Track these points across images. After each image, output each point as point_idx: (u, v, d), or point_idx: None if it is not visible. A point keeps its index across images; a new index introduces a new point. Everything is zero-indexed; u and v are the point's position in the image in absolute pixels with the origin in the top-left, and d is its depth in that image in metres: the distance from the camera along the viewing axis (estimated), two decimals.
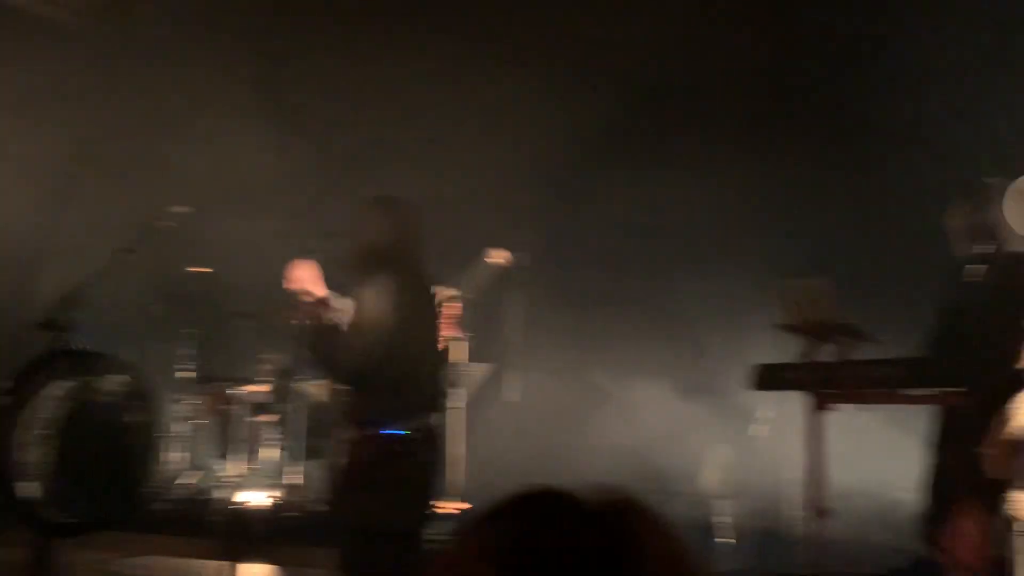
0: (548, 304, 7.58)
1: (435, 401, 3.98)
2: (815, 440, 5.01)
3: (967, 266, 4.08)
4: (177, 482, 6.96)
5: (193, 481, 7.03)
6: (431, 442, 3.84)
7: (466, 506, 5.80)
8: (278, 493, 6.75)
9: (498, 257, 6.11)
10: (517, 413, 7.57)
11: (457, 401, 5.34)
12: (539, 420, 7.43)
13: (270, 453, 6.98)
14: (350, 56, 7.41)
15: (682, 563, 0.86)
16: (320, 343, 3.75)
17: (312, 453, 6.81)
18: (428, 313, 4.10)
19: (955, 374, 2.11)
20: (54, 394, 5.06)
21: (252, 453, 6.95)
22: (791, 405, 5.24)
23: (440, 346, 4.59)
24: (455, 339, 5.36)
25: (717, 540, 7.02)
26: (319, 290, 3.76)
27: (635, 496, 0.90)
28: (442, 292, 5.11)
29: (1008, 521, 1.19)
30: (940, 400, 3.60)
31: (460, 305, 5.32)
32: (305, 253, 3.94)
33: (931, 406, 4.37)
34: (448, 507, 5.61)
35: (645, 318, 7.69)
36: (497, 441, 6.66)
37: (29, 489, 4.93)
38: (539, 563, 0.79)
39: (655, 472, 7.29)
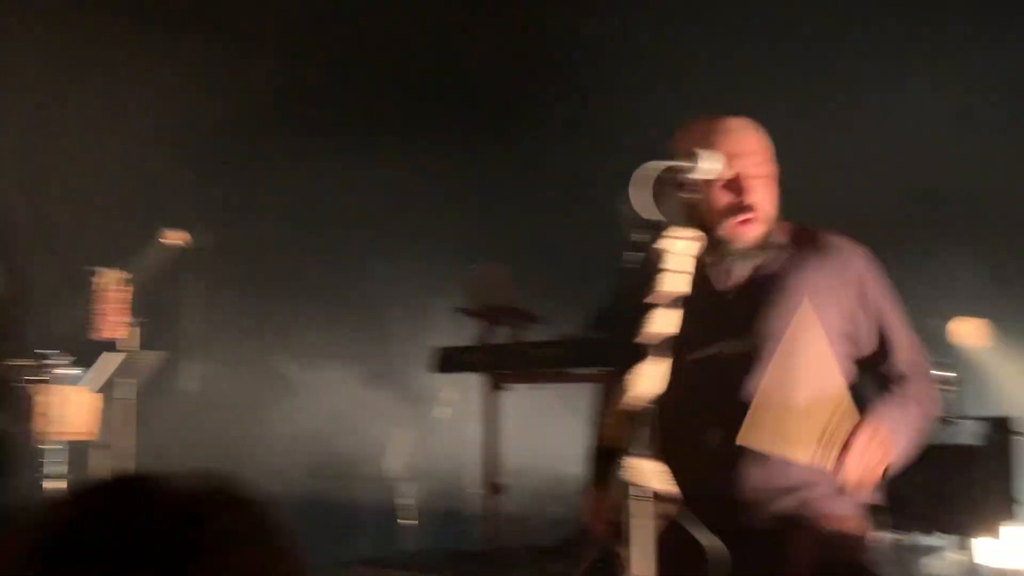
0: (229, 289, 7.34)
1: None
2: (490, 420, 5.23)
3: (626, 252, 4.40)
4: None
5: None
6: None
7: None
8: None
9: (175, 238, 5.78)
10: (195, 403, 7.28)
11: (126, 392, 5.04)
12: (219, 410, 7.18)
13: None
14: None
15: (267, 570, 0.75)
16: None
17: None
18: None
19: (609, 354, 2.26)
20: None
21: None
22: (475, 385, 5.41)
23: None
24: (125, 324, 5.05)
25: (401, 522, 7.14)
26: None
27: (235, 489, 0.78)
28: (108, 275, 4.81)
29: (625, 486, 1.28)
30: (598, 379, 3.84)
31: (130, 289, 5.01)
32: None
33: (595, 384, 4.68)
34: None
35: (330, 304, 7.64)
36: (173, 433, 6.36)
37: None
38: (88, 558, 0.69)
39: (339, 458, 7.27)
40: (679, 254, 1.57)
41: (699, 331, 2.12)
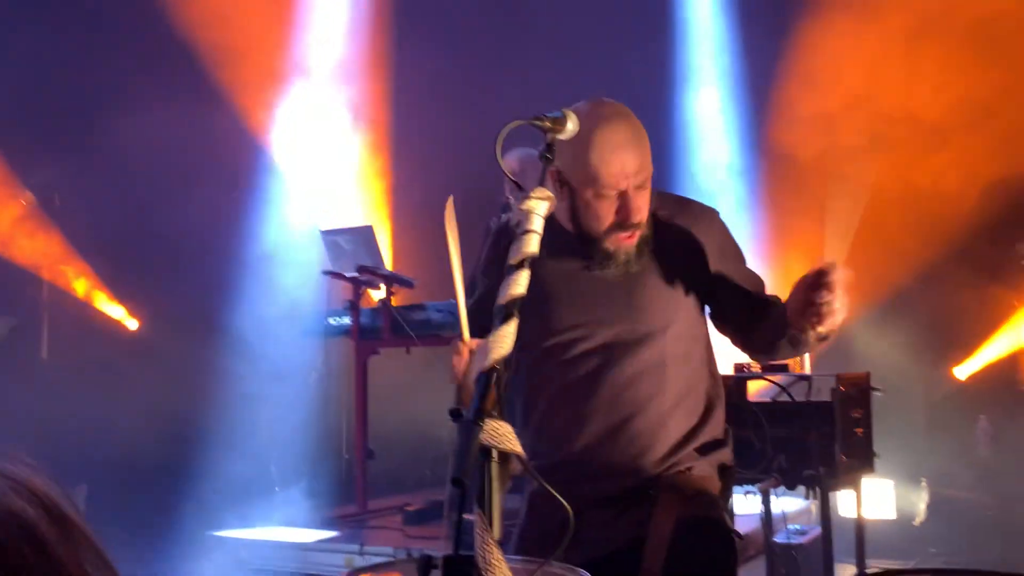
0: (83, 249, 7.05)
1: None
2: (361, 384, 5.15)
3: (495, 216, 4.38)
4: None
5: None
6: None
7: None
8: None
9: None
10: (49, 371, 6.99)
11: None
12: (75, 376, 6.90)
13: None
14: None
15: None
16: None
17: None
18: None
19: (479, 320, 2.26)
20: None
21: None
22: (345, 350, 5.32)
23: None
24: None
25: (277, 490, 7.03)
26: None
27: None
28: None
29: (480, 448, 1.27)
30: None
31: None
32: None
33: None
34: None
35: (198, 263, 7.39)
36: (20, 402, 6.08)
37: None
38: None
39: (209, 425, 7.10)
40: (538, 215, 1.52)
41: (573, 307, 2.16)
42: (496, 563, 1.23)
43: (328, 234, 5.53)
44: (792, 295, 1.97)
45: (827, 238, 6.84)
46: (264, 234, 7.30)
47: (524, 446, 2.15)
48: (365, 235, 5.15)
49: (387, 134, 7.84)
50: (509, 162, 4.99)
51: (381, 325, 4.99)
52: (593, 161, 2.00)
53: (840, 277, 1.88)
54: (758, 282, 2.29)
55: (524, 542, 2.19)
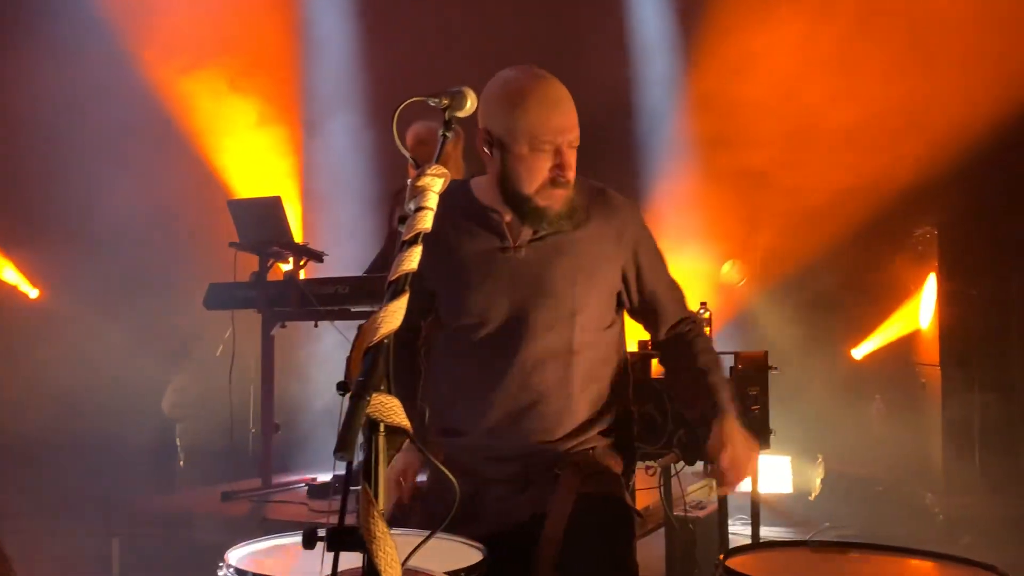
0: None
1: None
2: (267, 357, 5.10)
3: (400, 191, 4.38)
4: None
5: None
6: None
7: None
8: None
9: None
10: None
11: None
12: None
13: None
14: None
15: None
16: None
17: None
18: None
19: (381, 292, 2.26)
20: None
21: None
22: (252, 323, 5.25)
23: None
24: None
25: (181, 464, 6.94)
26: None
27: None
28: None
29: (368, 421, 1.28)
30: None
31: None
32: None
33: None
34: None
35: (96, 236, 7.19)
36: None
37: None
38: None
39: (116, 402, 6.96)
40: (433, 192, 1.53)
41: (484, 288, 2.17)
42: (381, 536, 1.24)
43: (236, 205, 5.44)
44: (709, 450, 2.14)
45: (734, 222, 6.98)
46: (171, 204, 7.15)
47: (434, 424, 2.19)
48: (273, 207, 5.07)
49: (299, 107, 7.73)
50: (418, 132, 4.96)
51: (289, 298, 4.93)
52: (531, 114, 2.02)
53: (736, 456, 2.11)
54: (674, 292, 2.33)
55: (427, 517, 2.21)
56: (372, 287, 4.69)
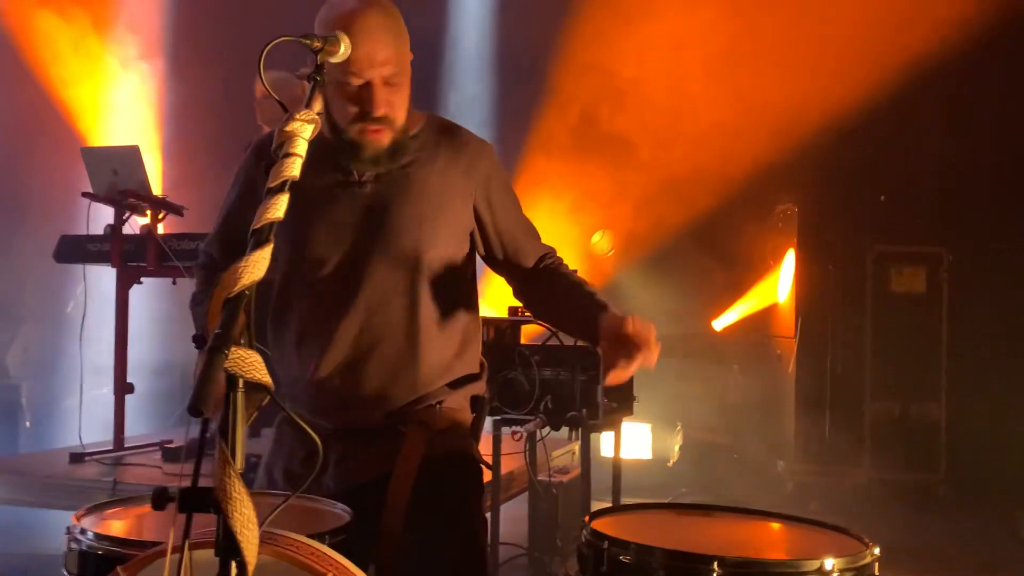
0: None
1: None
2: (122, 314, 4.87)
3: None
4: None
5: None
6: None
7: None
8: None
9: None
10: None
11: None
12: None
13: None
14: None
15: None
16: None
17: None
18: None
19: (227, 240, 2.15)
20: None
21: None
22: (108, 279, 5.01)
23: None
24: None
25: (28, 424, 6.65)
26: None
27: None
28: None
29: (225, 376, 1.21)
30: None
31: None
32: None
33: None
34: None
35: None
36: None
37: None
38: None
39: None
40: (302, 138, 1.45)
41: (328, 224, 2.06)
42: (238, 496, 1.18)
43: (90, 152, 5.16)
44: (602, 329, 1.98)
45: (604, 193, 7.05)
46: (22, 150, 6.76)
47: (271, 371, 2.08)
48: (131, 155, 4.83)
49: (162, 53, 7.41)
50: (258, 90, 4.80)
51: (146, 253, 4.72)
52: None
53: (646, 352, 1.91)
54: (531, 229, 2.27)
55: (270, 473, 2.13)
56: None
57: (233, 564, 1.20)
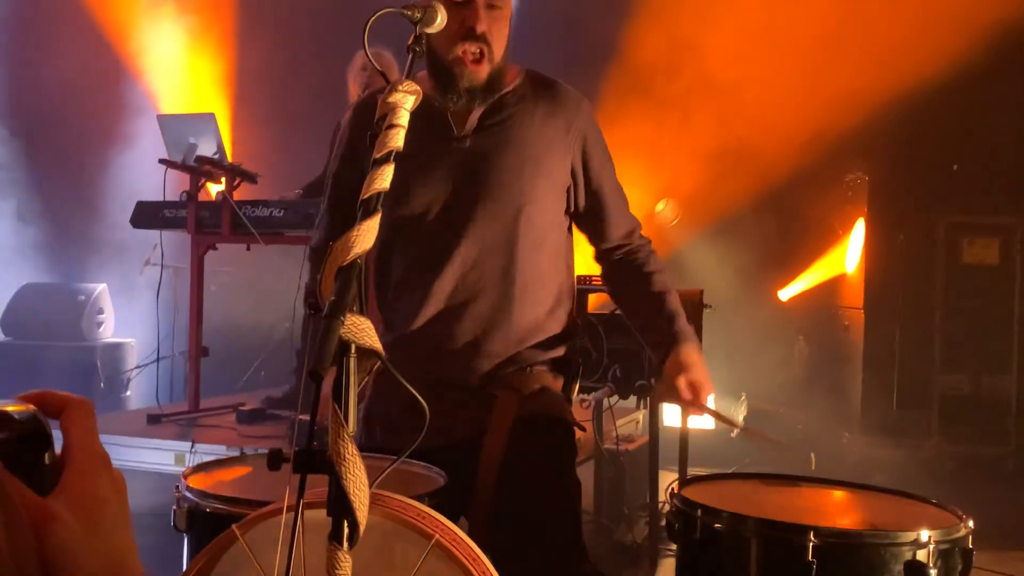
0: None
1: None
2: (196, 280, 4.97)
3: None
4: None
5: None
6: None
7: None
8: None
9: None
10: None
11: None
12: None
13: None
14: None
15: None
16: None
17: None
18: None
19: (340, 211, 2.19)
20: None
21: None
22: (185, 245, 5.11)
23: None
24: None
25: (102, 386, 6.80)
26: None
27: None
28: None
29: (341, 343, 1.25)
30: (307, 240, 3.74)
31: None
32: None
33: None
34: None
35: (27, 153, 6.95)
36: None
37: None
38: None
39: (38, 317, 6.78)
40: (405, 109, 1.47)
41: (428, 179, 2.08)
42: (351, 458, 1.21)
43: (166, 119, 5.25)
44: (664, 370, 2.07)
45: (669, 160, 7.00)
46: (101, 116, 6.90)
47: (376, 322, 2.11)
48: (206, 123, 4.91)
49: (232, 21, 7.47)
50: (356, 62, 4.84)
51: (221, 220, 4.80)
52: None
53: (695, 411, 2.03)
54: (622, 194, 2.25)
55: (369, 425, 2.16)
56: (307, 211, 4.59)
57: (345, 523, 1.24)
